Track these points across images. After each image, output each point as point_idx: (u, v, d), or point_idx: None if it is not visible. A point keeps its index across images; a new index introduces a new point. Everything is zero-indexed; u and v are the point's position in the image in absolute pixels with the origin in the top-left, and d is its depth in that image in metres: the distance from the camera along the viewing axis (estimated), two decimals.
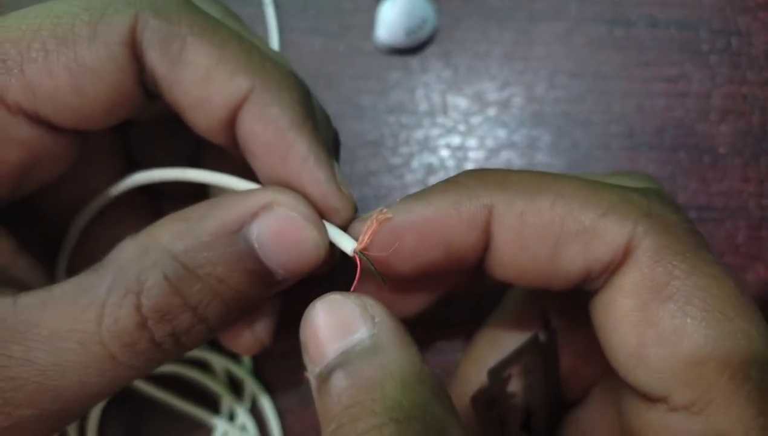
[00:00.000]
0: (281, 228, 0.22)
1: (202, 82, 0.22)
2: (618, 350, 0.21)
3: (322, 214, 0.23)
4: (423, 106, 0.38)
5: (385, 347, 0.19)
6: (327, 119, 0.26)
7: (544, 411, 0.28)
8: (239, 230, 0.21)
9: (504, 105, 0.38)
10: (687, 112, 0.37)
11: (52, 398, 0.20)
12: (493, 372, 0.26)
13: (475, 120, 0.38)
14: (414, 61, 0.38)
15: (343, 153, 0.37)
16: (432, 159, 0.37)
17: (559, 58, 0.38)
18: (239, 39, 0.23)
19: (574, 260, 0.21)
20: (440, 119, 0.38)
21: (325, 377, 0.19)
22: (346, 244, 0.23)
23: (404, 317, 0.26)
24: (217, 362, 0.35)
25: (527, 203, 0.21)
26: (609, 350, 0.21)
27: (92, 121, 0.23)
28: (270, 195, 0.22)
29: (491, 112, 0.38)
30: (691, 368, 0.19)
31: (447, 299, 0.28)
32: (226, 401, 0.34)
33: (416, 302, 0.27)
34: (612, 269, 0.21)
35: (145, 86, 0.23)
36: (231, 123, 0.23)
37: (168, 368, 0.34)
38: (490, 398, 0.26)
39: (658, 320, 0.20)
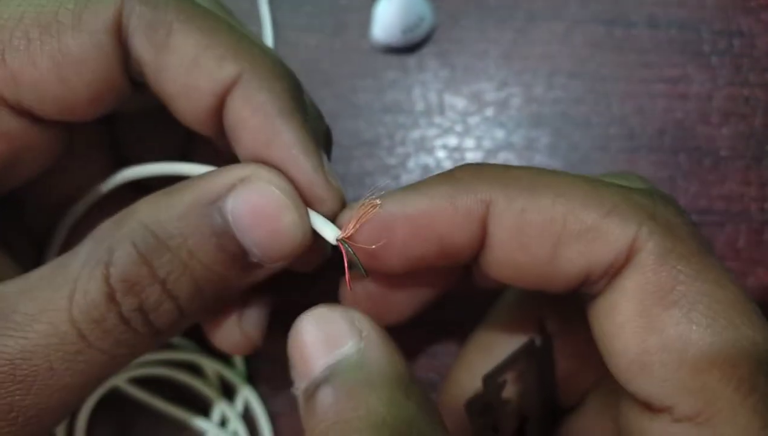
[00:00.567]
0: (257, 202, 0.21)
1: (188, 68, 0.21)
2: (619, 357, 0.20)
3: (307, 204, 0.22)
4: (420, 106, 0.37)
5: (371, 362, 0.19)
6: (319, 114, 0.26)
7: (538, 418, 0.27)
8: (215, 202, 0.21)
9: (502, 105, 0.37)
10: (688, 114, 0.37)
11: (20, 390, 0.19)
12: (489, 378, 0.25)
13: (473, 120, 0.37)
14: (411, 60, 0.37)
15: (338, 152, 0.36)
16: (428, 160, 0.37)
17: (559, 59, 0.37)
18: (228, 27, 0.22)
19: (574, 260, 0.21)
20: (437, 119, 0.37)
21: (311, 392, 0.19)
22: (329, 232, 0.22)
23: (395, 321, 0.26)
24: (209, 365, 0.34)
25: (528, 200, 0.21)
26: (609, 357, 0.21)
27: (77, 112, 0.22)
28: (249, 169, 0.21)
29: (489, 112, 0.37)
30: (696, 377, 0.19)
31: (440, 301, 0.27)
32: (218, 405, 0.34)
33: (407, 306, 0.26)
34: (613, 271, 0.20)
35: (131, 75, 0.22)
36: (218, 111, 0.22)
37: (158, 370, 0.33)
38: (484, 405, 0.26)
39: (662, 327, 0.19)
